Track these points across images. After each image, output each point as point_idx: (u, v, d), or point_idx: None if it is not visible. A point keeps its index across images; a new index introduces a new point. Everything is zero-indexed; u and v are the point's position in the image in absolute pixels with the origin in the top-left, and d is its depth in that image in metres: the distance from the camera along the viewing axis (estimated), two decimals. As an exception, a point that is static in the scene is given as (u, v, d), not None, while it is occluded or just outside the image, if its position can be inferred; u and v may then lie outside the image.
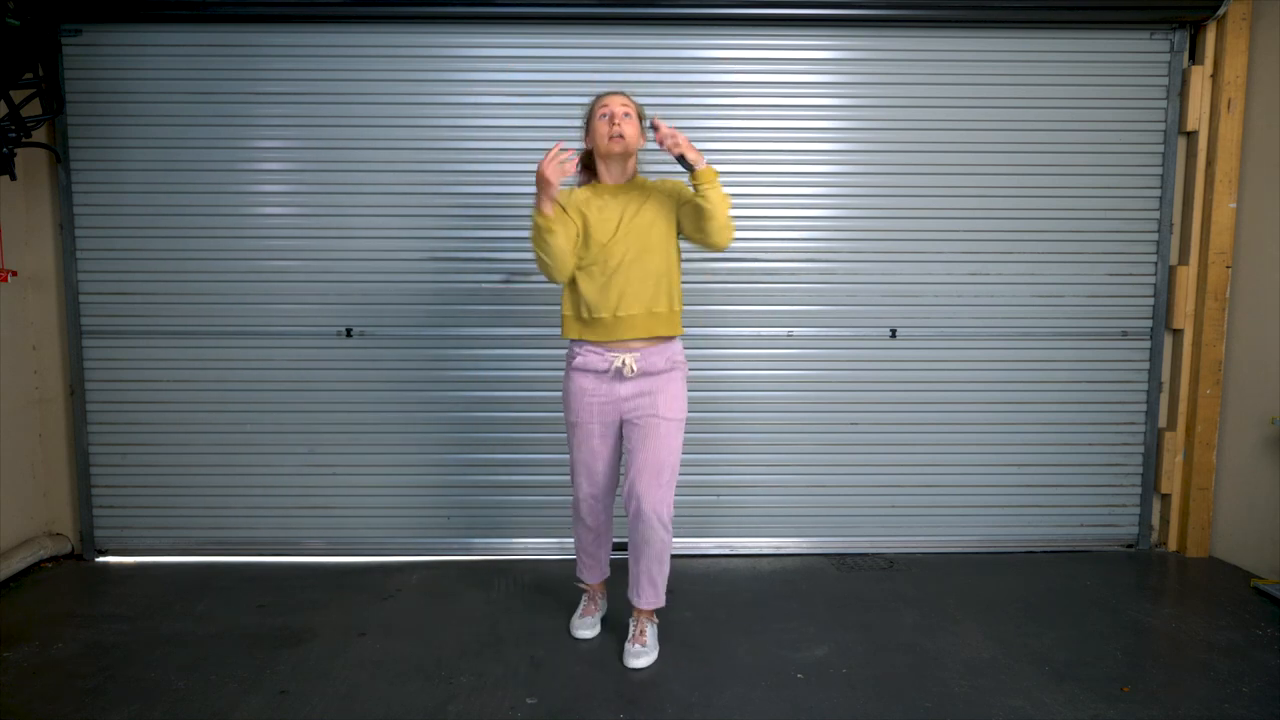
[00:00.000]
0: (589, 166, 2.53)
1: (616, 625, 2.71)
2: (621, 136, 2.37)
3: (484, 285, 3.28)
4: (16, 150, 2.84)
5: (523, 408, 3.33)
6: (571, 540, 3.35)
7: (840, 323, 3.33)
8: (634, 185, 2.47)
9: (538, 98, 3.21)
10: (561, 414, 3.26)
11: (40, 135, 3.14)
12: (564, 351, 3.24)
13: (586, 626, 2.68)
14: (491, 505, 3.37)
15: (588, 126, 2.46)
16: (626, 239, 2.39)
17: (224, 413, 3.31)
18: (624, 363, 2.41)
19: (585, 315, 2.43)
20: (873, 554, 3.39)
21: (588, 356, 2.46)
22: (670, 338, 2.47)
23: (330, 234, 3.25)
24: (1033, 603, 2.92)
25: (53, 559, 3.30)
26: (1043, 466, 3.42)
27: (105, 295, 3.26)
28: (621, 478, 2.53)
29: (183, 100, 3.19)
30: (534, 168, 3.21)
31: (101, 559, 3.35)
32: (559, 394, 3.28)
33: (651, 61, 3.20)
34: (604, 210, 2.42)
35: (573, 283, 2.46)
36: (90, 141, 3.19)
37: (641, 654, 2.50)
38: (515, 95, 3.21)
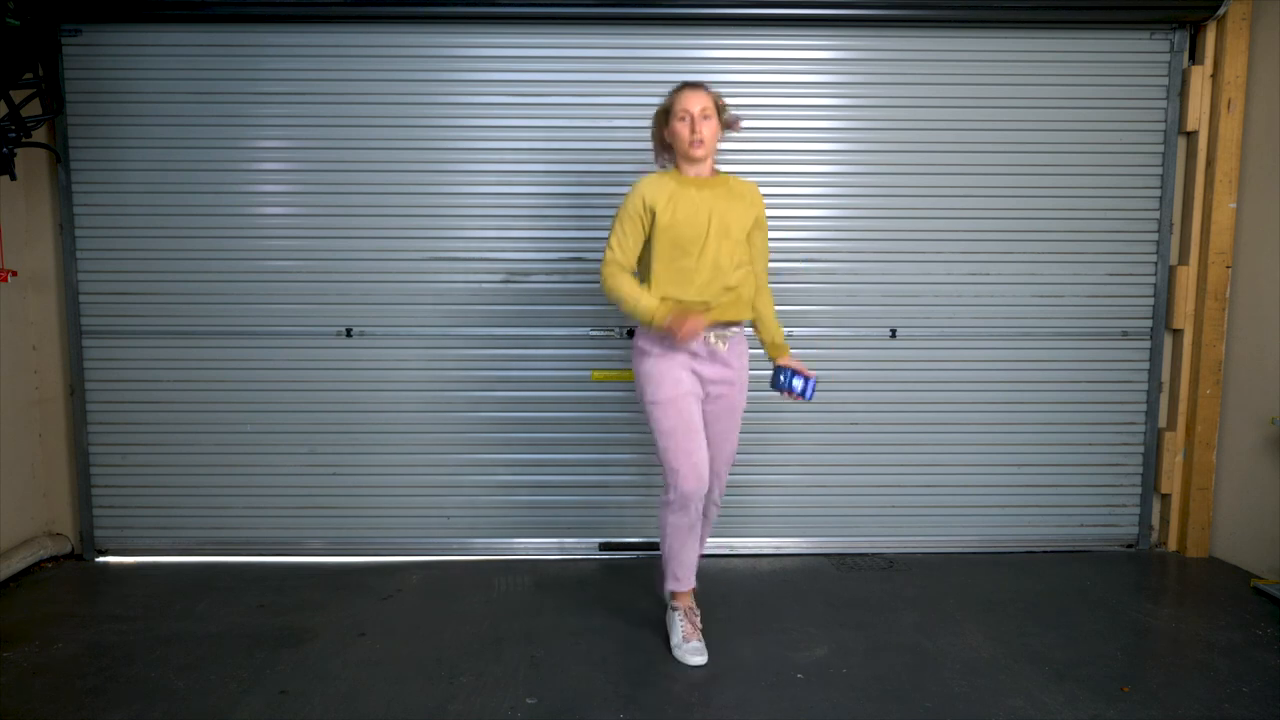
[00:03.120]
0: (666, 146, 2.52)
1: (621, 622, 2.71)
2: (702, 142, 2.39)
3: (484, 285, 3.28)
4: (16, 150, 2.84)
5: (523, 407, 3.33)
6: (572, 540, 3.37)
7: (840, 323, 3.33)
8: (719, 181, 2.48)
9: (538, 98, 3.21)
10: (561, 413, 3.31)
11: (40, 135, 3.14)
12: (562, 351, 3.28)
13: (699, 652, 2.49)
14: (491, 505, 3.37)
15: (665, 118, 2.46)
16: (717, 238, 2.42)
17: (224, 413, 3.31)
18: (713, 340, 2.48)
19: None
20: (873, 554, 3.39)
21: (667, 338, 2.45)
22: (742, 321, 2.56)
23: (330, 234, 3.25)
24: (1033, 603, 2.92)
25: (53, 559, 3.30)
26: (1043, 466, 3.41)
27: (105, 295, 3.26)
28: None
29: (183, 100, 3.19)
30: (534, 168, 3.23)
31: (101, 559, 3.35)
32: (559, 394, 3.33)
33: (651, 61, 3.20)
34: (693, 206, 2.42)
35: (647, 270, 2.48)
36: (90, 141, 3.19)
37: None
38: (515, 95, 3.21)
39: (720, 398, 2.53)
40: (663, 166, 2.58)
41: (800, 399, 2.57)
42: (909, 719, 2.20)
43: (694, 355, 2.48)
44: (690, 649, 2.49)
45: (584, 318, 3.29)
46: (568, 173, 3.21)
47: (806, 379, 2.56)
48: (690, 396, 2.46)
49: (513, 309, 3.29)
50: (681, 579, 2.57)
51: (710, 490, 2.61)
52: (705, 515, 2.69)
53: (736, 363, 2.54)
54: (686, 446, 2.43)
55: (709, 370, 2.50)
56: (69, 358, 3.28)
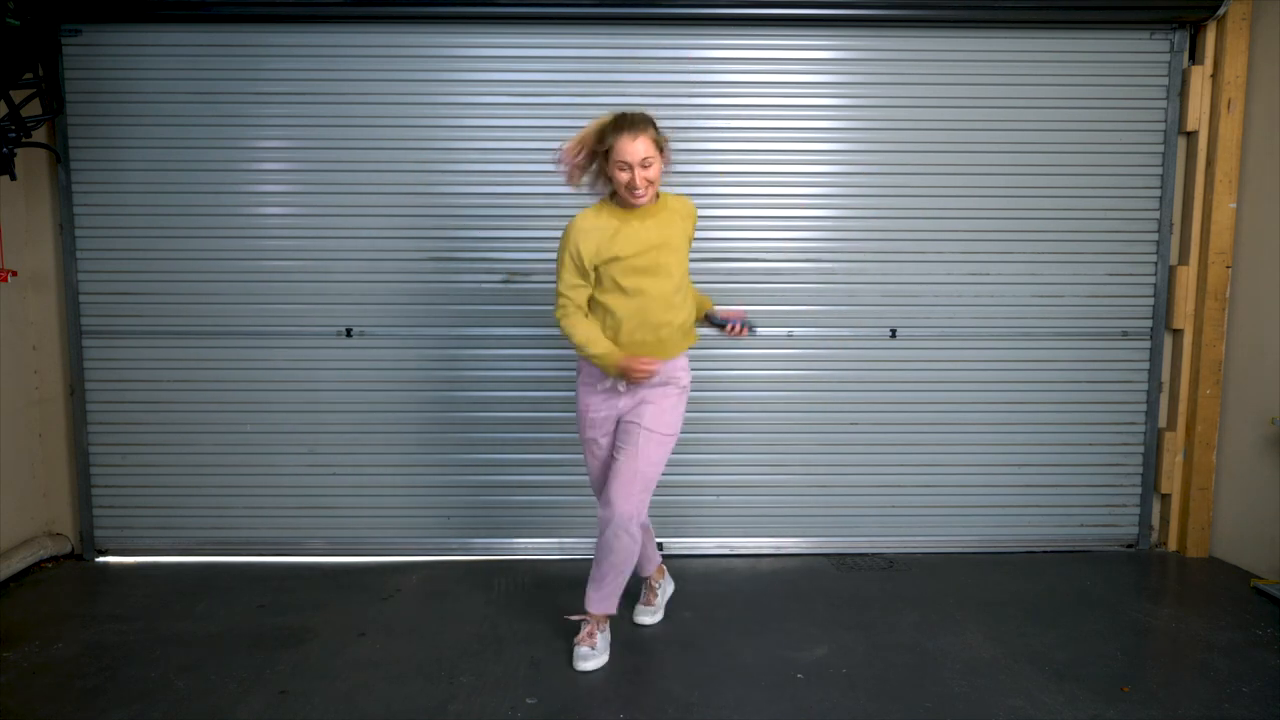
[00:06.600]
0: (602, 172, 2.37)
1: (621, 622, 2.71)
2: (644, 194, 2.29)
3: (484, 285, 3.28)
4: (16, 150, 2.84)
5: (522, 407, 3.33)
6: (572, 540, 3.36)
7: (840, 323, 3.33)
8: (660, 206, 2.40)
9: (538, 98, 3.21)
10: (560, 413, 3.31)
11: (40, 135, 3.14)
12: (562, 351, 3.28)
13: (594, 656, 2.47)
14: (491, 505, 3.37)
15: (605, 152, 2.30)
16: (649, 274, 2.37)
17: (224, 413, 3.31)
18: (614, 382, 2.45)
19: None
20: (873, 554, 3.39)
21: (591, 369, 2.47)
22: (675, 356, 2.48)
23: (330, 234, 3.25)
24: (1033, 603, 2.93)
25: (53, 559, 3.30)
26: (1043, 466, 3.41)
27: (105, 295, 3.26)
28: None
29: (183, 100, 3.19)
30: (534, 168, 3.21)
31: (101, 559, 3.35)
32: (559, 393, 3.33)
33: (651, 61, 3.20)
34: (628, 244, 2.35)
35: (596, 303, 2.43)
36: (90, 141, 3.19)
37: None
38: (515, 95, 3.21)
39: (631, 418, 2.45)
40: (593, 190, 2.44)
41: (737, 331, 2.49)
42: (909, 719, 2.20)
43: (604, 391, 2.47)
44: (580, 652, 2.47)
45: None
46: (568, 173, 3.21)
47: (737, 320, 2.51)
48: (601, 440, 2.52)
49: (513, 309, 3.29)
50: (610, 606, 2.53)
51: (609, 509, 2.40)
52: (607, 540, 2.43)
53: (651, 385, 2.44)
54: (600, 481, 2.57)
55: (623, 401, 2.46)
56: (69, 358, 3.28)
